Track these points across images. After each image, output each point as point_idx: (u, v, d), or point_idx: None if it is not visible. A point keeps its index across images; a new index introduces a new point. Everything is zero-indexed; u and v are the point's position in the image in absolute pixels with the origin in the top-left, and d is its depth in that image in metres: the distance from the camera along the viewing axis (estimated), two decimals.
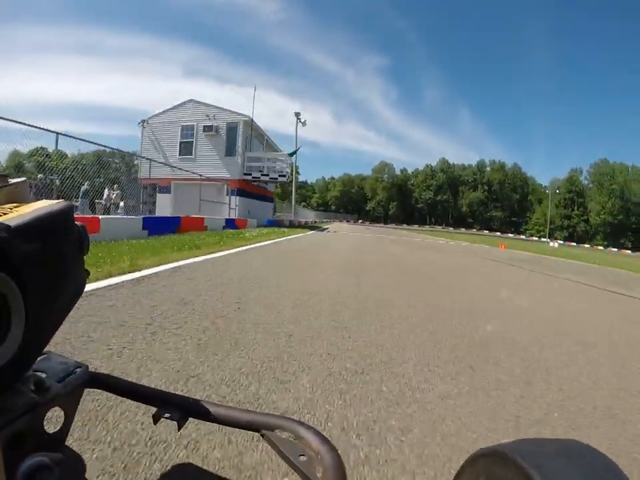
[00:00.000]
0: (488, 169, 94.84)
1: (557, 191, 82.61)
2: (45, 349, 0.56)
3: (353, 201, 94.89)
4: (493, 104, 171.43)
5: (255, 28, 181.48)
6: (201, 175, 17.17)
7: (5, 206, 0.48)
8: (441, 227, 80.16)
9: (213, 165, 22.01)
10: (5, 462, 0.37)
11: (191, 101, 23.31)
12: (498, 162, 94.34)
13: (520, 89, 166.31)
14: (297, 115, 31.83)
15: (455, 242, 23.65)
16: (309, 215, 51.91)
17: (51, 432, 0.51)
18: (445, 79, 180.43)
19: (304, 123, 32.34)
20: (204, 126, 22.36)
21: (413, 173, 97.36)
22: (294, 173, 31.89)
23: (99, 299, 2.99)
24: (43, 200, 0.52)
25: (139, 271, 4.37)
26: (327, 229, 29.07)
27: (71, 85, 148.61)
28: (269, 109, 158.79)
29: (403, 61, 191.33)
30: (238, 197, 21.72)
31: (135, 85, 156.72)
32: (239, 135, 22.30)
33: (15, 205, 0.49)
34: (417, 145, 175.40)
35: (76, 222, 0.52)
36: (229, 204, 20.67)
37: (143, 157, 20.31)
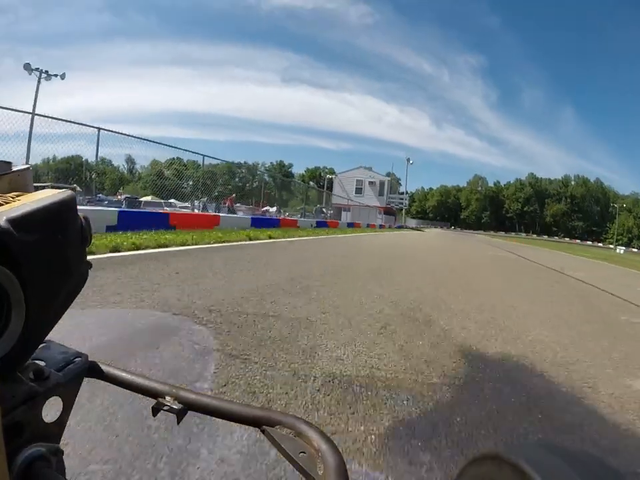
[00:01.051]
0: (573, 182, 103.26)
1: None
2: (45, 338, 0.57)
3: (449, 209, 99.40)
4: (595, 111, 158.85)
5: (345, 33, 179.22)
6: (360, 204, 42.82)
7: (6, 195, 0.47)
8: (525, 235, 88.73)
9: (371, 199, 46.62)
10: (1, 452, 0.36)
11: (360, 167, 52.09)
12: (581, 177, 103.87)
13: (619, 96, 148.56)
14: (408, 160, 53.55)
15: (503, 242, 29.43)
16: (412, 223, 67.64)
17: (49, 422, 0.50)
18: (545, 79, 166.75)
19: (411, 163, 54.61)
20: (369, 182, 49.10)
21: (505, 185, 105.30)
22: (406, 192, 61.39)
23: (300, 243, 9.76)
24: (47, 189, 0.51)
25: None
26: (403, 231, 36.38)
27: (173, 93, 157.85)
28: (365, 113, 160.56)
29: (500, 59, 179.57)
30: (383, 215, 46.68)
31: (234, 93, 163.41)
32: (385, 185, 49.95)
33: (17, 193, 0.49)
34: (516, 150, 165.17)
35: (79, 213, 0.51)
36: (378, 218, 44.03)
37: (335, 194, 44.77)
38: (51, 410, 0.51)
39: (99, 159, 17.45)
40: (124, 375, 0.61)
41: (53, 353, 0.58)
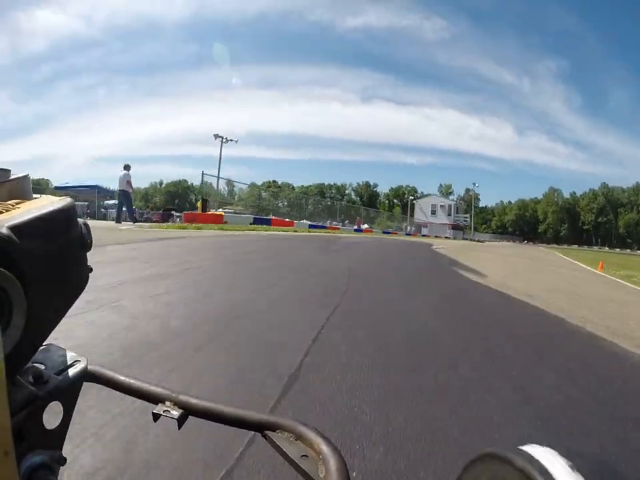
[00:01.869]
0: None
1: None
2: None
3: (528, 223, 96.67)
4: None
5: (422, 49, 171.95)
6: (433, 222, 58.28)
7: (6, 202, 0.47)
8: (598, 248, 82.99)
9: (442, 218, 61.23)
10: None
11: (433, 195, 72.64)
12: None
13: None
14: (474, 184, 70.38)
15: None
16: (485, 237, 73.64)
17: (49, 427, 0.50)
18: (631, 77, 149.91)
19: (477, 186, 69.70)
20: (440, 205, 65.55)
21: (581, 195, 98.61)
22: (472, 207, 69.27)
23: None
24: (46, 196, 0.52)
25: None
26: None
27: (259, 115, 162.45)
28: (447, 127, 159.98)
29: (580, 62, 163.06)
30: (451, 230, 57.69)
31: (318, 113, 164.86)
32: (452, 208, 65.23)
33: (17, 201, 0.49)
34: (604, 154, 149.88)
35: (79, 219, 0.52)
36: (447, 232, 56.17)
37: (416, 219, 60.83)
38: (51, 416, 0.50)
39: (201, 183, 28.80)
40: (124, 379, 0.60)
41: (52, 356, 0.57)
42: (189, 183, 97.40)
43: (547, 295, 5.80)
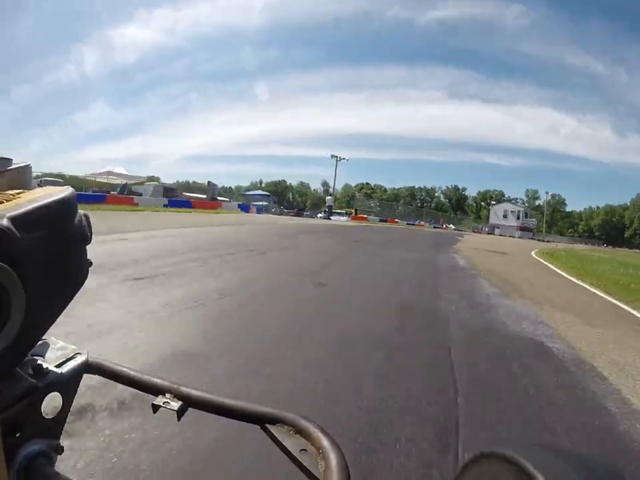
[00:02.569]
0: None
1: None
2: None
3: (615, 228, 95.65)
4: None
5: (505, 39, 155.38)
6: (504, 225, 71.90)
7: (6, 192, 0.47)
8: None
9: (512, 221, 73.79)
10: (2, 448, 0.37)
11: (506, 202, 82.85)
12: None
13: None
14: (547, 193, 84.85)
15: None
16: (559, 239, 75.70)
17: (49, 418, 0.50)
18: None
19: (550, 197, 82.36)
20: (510, 210, 76.75)
21: None
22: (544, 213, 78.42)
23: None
24: (47, 187, 0.51)
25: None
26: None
27: (345, 117, 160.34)
28: (537, 125, 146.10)
29: None
30: (520, 231, 68.42)
31: (403, 113, 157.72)
32: (521, 213, 76.14)
33: (17, 191, 0.49)
34: None
35: (79, 210, 0.52)
36: (516, 233, 68.12)
37: (491, 222, 76.95)
38: (50, 406, 0.50)
39: (299, 183, 42.02)
40: (124, 371, 0.61)
41: (51, 348, 0.58)
42: (288, 183, 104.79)
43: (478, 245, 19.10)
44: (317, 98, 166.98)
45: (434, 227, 51.61)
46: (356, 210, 55.16)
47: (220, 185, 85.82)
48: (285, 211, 52.41)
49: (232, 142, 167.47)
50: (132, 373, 0.61)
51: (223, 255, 8.07)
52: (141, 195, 32.74)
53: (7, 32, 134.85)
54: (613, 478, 0.32)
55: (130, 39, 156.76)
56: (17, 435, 0.45)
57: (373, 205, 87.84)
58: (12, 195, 0.47)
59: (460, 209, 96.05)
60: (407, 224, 48.23)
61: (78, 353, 0.59)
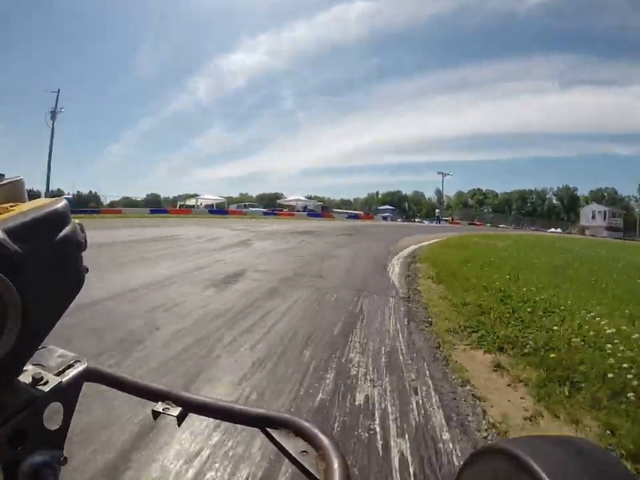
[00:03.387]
0: None
1: None
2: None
3: None
4: None
5: (615, 13, 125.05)
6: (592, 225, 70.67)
7: (1, 205, 0.48)
8: None
9: (600, 221, 71.85)
10: (5, 460, 0.37)
11: (594, 203, 77.95)
12: None
13: None
14: None
15: None
16: None
17: (50, 428, 0.50)
18: None
19: None
20: (597, 211, 74.05)
21: None
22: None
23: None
24: (40, 198, 0.52)
25: None
26: None
27: (450, 119, 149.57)
28: None
29: None
30: (606, 231, 65.97)
31: (512, 108, 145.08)
32: (608, 214, 72.01)
33: (12, 204, 0.50)
34: None
35: (74, 219, 0.52)
36: (603, 232, 65.57)
37: (581, 223, 74.28)
38: (52, 416, 0.50)
39: (413, 192, 54.79)
40: (123, 378, 0.61)
41: (51, 357, 0.58)
42: (403, 193, 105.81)
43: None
44: (422, 102, 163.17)
45: (533, 230, 57.99)
46: (452, 217, 66.17)
47: (338, 198, 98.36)
48: (405, 218, 67.67)
49: (344, 154, 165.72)
50: (131, 379, 0.61)
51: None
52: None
53: (129, 73, 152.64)
54: (611, 468, 0.34)
55: (238, 65, 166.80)
56: (20, 447, 0.45)
57: (485, 211, 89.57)
58: (6, 207, 0.47)
59: (572, 210, 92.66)
60: (503, 227, 55.58)
61: (77, 360, 0.58)
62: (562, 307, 4.20)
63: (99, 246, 8.04)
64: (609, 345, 2.87)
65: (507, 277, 5.94)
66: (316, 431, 0.51)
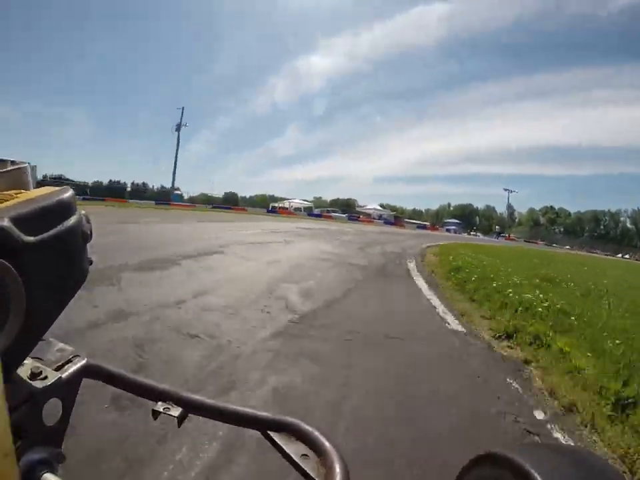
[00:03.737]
0: None
1: None
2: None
3: None
4: None
5: None
6: None
7: (5, 192, 0.47)
8: None
9: None
10: None
11: None
12: None
13: None
14: None
15: None
16: None
17: (49, 424, 0.50)
18: None
19: None
20: None
21: None
22: None
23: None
24: (46, 186, 0.52)
25: None
26: None
27: (531, 128, 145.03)
28: None
29: None
30: None
31: (598, 118, 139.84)
32: None
33: (17, 191, 0.49)
34: None
35: (79, 209, 0.51)
36: None
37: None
38: (50, 412, 0.50)
39: (485, 206, 59.63)
40: (124, 376, 0.60)
41: (50, 350, 0.57)
42: (474, 207, 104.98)
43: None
44: (500, 109, 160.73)
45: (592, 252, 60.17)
46: (509, 234, 69.36)
47: (410, 207, 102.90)
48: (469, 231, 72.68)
49: (418, 161, 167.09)
50: (132, 377, 0.60)
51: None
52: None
53: (207, 76, 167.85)
54: (608, 475, 0.34)
55: (315, 67, 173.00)
56: (18, 443, 0.44)
57: (557, 230, 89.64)
58: (11, 194, 0.47)
59: None
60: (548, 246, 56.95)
61: (77, 355, 0.58)
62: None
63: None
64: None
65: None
66: (317, 434, 0.51)
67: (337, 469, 0.45)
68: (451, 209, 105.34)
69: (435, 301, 5.48)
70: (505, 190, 78.19)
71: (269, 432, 0.53)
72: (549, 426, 2.31)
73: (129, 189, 62.79)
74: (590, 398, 2.61)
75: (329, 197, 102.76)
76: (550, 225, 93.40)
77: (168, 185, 62.87)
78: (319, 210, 61.98)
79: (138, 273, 5.14)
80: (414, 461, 1.81)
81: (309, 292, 5.11)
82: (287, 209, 57.42)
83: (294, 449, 0.50)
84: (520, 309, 4.83)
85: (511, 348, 3.68)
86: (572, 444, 2.10)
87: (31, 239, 0.41)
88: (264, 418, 0.55)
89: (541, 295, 5.66)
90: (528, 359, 3.36)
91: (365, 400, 2.37)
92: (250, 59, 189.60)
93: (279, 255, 8.61)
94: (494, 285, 6.23)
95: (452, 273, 7.85)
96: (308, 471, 0.47)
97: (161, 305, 3.81)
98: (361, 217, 58.32)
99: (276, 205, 62.78)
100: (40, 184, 0.55)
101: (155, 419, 0.56)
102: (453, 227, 64.56)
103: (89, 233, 0.52)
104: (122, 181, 70.60)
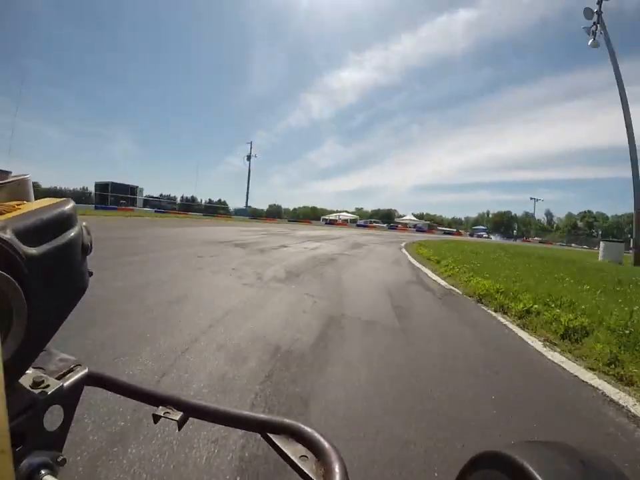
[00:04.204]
0: None
1: None
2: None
3: None
4: None
5: None
6: None
7: (6, 203, 0.48)
8: None
9: None
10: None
11: None
12: None
13: None
14: None
15: None
16: None
17: (50, 430, 0.51)
18: None
19: None
20: None
21: None
22: None
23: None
24: (47, 198, 0.52)
25: None
26: None
27: (573, 130, 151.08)
28: None
29: None
30: None
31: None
32: None
33: (18, 202, 0.49)
34: None
35: (80, 221, 0.52)
36: None
37: None
38: (52, 419, 0.51)
39: (523, 213, 69.94)
40: (124, 383, 0.61)
41: (52, 360, 0.58)
42: (513, 214, 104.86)
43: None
44: (536, 113, 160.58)
45: None
46: (527, 237, 77.21)
47: (450, 216, 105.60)
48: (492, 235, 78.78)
49: (457, 169, 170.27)
50: (132, 384, 0.61)
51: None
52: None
53: (248, 95, 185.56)
54: (611, 473, 0.34)
55: (348, 81, 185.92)
56: (19, 447, 0.46)
57: (594, 234, 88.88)
58: (13, 205, 0.47)
59: None
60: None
61: (78, 365, 0.59)
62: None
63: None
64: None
65: None
66: (316, 436, 0.51)
67: (336, 469, 0.46)
68: (490, 216, 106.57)
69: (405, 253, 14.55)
70: (532, 199, 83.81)
71: (268, 434, 0.54)
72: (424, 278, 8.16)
73: (178, 202, 71.93)
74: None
75: (369, 207, 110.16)
76: (588, 229, 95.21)
77: (215, 199, 74.96)
78: (363, 221, 73.24)
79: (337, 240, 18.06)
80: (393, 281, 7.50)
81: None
82: (336, 220, 69.27)
83: (293, 450, 0.51)
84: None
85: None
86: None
87: (33, 250, 0.42)
88: (263, 420, 0.55)
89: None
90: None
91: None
92: (286, 78, 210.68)
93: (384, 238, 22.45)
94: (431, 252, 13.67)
95: (419, 250, 15.79)
96: (307, 472, 0.47)
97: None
98: (399, 226, 69.52)
99: (327, 217, 74.14)
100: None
101: (156, 422, 0.57)
102: (481, 233, 73.93)
103: (89, 244, 0.52)
104: (172, 195, 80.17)
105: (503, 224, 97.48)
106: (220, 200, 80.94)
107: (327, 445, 0.50)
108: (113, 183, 48.45)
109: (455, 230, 74.56)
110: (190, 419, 0.59)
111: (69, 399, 0.55)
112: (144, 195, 56.40)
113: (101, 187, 48.27)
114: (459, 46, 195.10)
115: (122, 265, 6.03)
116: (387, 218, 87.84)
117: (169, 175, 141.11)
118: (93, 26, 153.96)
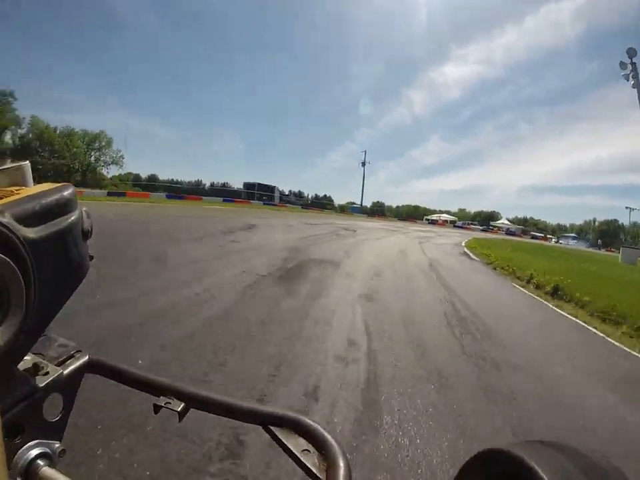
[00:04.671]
0: None
1: None
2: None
3: None
4: None
5: None
6: None
7: (6, 189, 0.48)
8: None
9: None
10: (1, 451, 0.35)
11: None
12: None
13: None
14: None
15: None
16: None
17: (50, 419, 0.51)
18: None
19: None
20: None
21: None
22: None
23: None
24: (46, 182, 0.52)
25: None
26: None
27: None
28: None
29: None
30: None
31: None
32: None
33: (16, 187, 0.49)
34: None
35: (80, 205, 0.52)
36: None
37: None
38: (51, 407, 0.50)
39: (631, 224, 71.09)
40: (125, 371, 0.61)
41: (51, 345, 0.58)
42: (619, 222, 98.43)
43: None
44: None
45: None
46: (602, 244, 78.56)
47: (555, 222, 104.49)
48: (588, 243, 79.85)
49: (567, 171, 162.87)
50: (133, 372, 0.60)
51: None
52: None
53: (349, 89, 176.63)
54: (613, 473, 0.34)
55: (451, 77, 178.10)
56: (18, 437, 0.45)
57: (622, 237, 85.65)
58: (11, 190, 0.47)
59: None
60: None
61: (78, 351, 0.59)
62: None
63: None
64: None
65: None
66: (319, 429, 0.51)
67: (339, 463, 0.45)
68: (596, 224, 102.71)
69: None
70: (627, 208, 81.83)
71: (270, 427, 0.53)
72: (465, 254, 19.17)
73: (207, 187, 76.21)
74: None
75: (474, 207, 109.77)
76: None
77: (320, 194, 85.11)
78: (461, 222, 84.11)
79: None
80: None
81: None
82: (437, 221, 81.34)
83: (295, 443, 0.50)
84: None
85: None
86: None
87: (31, 234, 0.42)
88: (265, 412, 0.54)
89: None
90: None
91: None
92: (390, 74, 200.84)
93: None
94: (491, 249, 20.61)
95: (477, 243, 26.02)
96: (309, 466, 0.46)
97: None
98: (494, 229, 79.65)
99: (429, 217, 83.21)
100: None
101: (156, 413, 0.56)
102: (569, 240, 78.87)
103: (89, 229, 0.52)
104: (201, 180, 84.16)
105: (609, 233, 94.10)
106: (325, 195, 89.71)
107: (329, 438, 0.49)
108: (259, 183, 61.08)
109: (541, 235, 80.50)
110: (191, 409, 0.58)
111: (69, 386, 0.55)
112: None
113: (248, 186, 61.32)
114: (565, 36, 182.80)
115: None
116: (489, 220, 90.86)
117: (271, 169, 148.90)
118: (194, 35, 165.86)
